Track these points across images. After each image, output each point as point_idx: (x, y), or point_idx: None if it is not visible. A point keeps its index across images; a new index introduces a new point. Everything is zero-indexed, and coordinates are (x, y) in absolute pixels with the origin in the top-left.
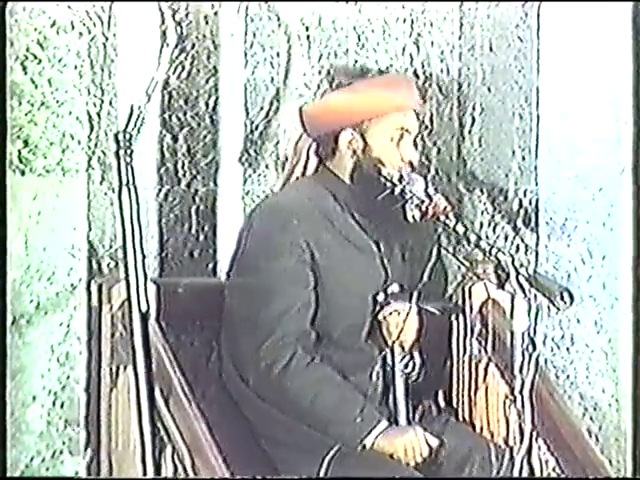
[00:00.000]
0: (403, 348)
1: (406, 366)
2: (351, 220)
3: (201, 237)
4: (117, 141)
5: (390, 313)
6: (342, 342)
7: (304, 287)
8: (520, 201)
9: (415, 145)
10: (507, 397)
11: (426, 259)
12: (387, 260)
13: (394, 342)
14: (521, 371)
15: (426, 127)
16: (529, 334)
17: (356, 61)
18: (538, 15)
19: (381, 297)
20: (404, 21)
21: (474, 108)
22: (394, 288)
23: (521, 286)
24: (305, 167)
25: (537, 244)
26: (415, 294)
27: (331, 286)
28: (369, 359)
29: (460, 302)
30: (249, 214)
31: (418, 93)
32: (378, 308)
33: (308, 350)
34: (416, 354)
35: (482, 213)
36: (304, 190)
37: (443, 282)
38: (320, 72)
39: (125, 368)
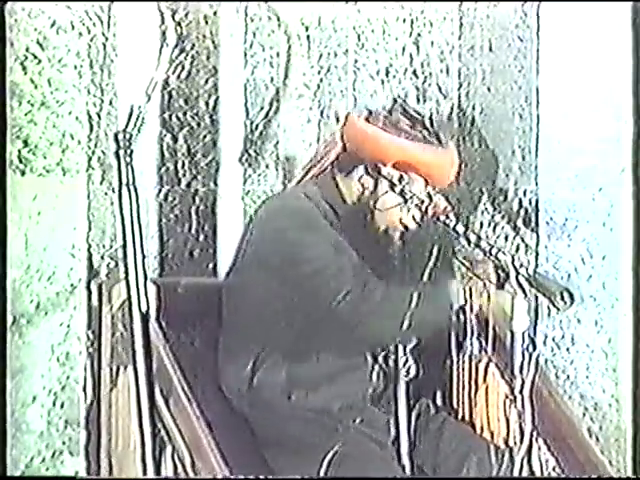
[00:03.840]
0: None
1: (407, 367)
2: (338, 235)
3: (201, 237)
4: (117, 141)
5: None
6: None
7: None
8: (520, 201)
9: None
10: (507, 397)
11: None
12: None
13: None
14: (521, 371)
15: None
16: (529, 334)
17: (356, 61)
18: (538, 15)
19: None
20: (404, 21)
21: (474, 108)
22: None
23: (521, 286)
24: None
25: (537, 244)
26: (415, 294)
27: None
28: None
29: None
30: (255, 219)
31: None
32: None
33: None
34: (410, 356)
35: (482, 213)
36: (309, 193)
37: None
38: (319, 72)
39: (125, 368)
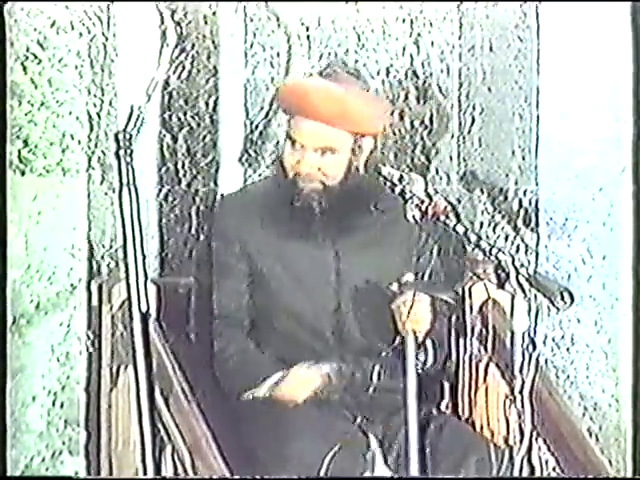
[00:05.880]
0: (416, 338)
1: (419, 357)
2: (298, 212)
3: (201, 237)
4: (117, 141)
5: (404, 302)
6: (284, 332)
7: (235, 279)
8: (520, 201)
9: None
10: (507, 397)
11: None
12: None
13: (406, 331)
14: (521, 371)
15: (426, 127)
16: (529, 334)
17: (356, 61)
18: (537, 15)
19: (395, 287)
20: (404, 21)
21: (474, 108)
22: (408, 277)
23: (521, 286)
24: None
25: (537, 244)
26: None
27: (268, 278)
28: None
29: (460, 302)
30: None
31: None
32: (392, 297)
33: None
34: (429, 344)
35: (482, 213)
36: (253, 184)
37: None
38: (321, 73)
39: (125, 368)
